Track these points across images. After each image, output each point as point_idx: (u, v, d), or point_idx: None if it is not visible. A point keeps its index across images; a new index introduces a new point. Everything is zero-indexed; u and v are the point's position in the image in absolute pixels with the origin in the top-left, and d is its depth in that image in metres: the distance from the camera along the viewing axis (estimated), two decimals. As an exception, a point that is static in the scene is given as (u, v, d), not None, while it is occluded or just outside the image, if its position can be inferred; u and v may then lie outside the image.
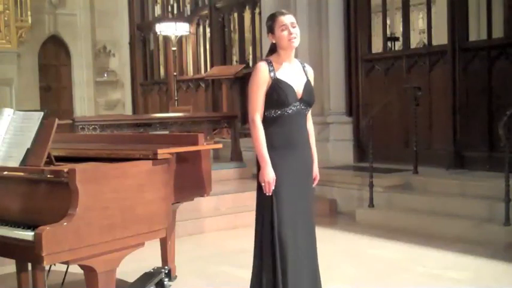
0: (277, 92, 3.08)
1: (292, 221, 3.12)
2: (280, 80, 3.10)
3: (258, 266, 3.16)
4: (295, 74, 3.18)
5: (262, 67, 3.11)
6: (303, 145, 3.22)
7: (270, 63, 3.13)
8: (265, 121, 3.12)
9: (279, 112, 3.11)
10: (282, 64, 3.15)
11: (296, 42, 3.13)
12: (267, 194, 3.07)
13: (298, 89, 3.14)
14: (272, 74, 3.10)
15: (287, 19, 3.12)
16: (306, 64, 3.30)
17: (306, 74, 3.23)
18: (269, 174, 3.06)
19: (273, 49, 3.19)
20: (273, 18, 3.15)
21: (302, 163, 3.22)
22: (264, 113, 3.12)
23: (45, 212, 2.71)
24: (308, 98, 3.18)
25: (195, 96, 11.40)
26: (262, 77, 3.10)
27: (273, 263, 3.09)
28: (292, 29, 3.10)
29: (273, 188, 3.07)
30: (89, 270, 2.80)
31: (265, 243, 3.12)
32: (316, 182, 3.37)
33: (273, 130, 3.11)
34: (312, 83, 3.26)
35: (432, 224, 5.67)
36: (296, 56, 3.27)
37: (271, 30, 3.15)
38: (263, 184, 3.07)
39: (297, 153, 3.17)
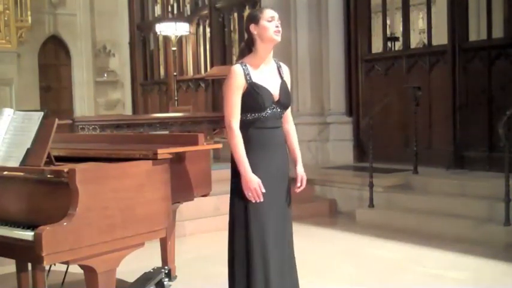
0: (254, 97, 2.98)
1: (268, 225, 3.00)
2: (257, 84, 2.99)
3: (231, 275, 3.07)
4: (270, 75, 3.08)
5: (237, 71, 2.98)
6: (277, 147, 3.10)
7: (245, 66, 3.01)
8: (241, 124, 3.01)
9: (255, 116, 3.01)
10: (258, 66, 3.04)
11: (279, 37, 3.03)
12: (255, 201, 2.94)
13: (275, 91, 3.05)
14: (248, 78, 2.99)
15: (275, 14, 3.05)
16: (281, 64, 3.19)
17: (281, 75, 3.13)
18: (252, 180, 2.93)
19: (249, 47, 3.07)
20: (261, 10, 3.08)
21: (277, 165, 3.08)
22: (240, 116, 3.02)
23: (45, 212, 2.71)
24: (284, 101, 3.09)
25: (195, 96, 11.40)
26: (237, 81, 2.98)
27: (248, 270, 2.99)
28: (278, 23, 3.03)
29: (261, 189, 2.93)
30: (89, 270, 2.80)
31: (237, 250, 3.02)
32: (304, 183, 3.16)
33: (249, 133, 3.01)
34: (289, 83, 3.16)
35: (432, 224, 5.66)
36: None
37: (255, 20, 3.02)
38: (249, 194, 2.94)
39: (271, 155, 3.05)
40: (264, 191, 2.95)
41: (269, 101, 3.03)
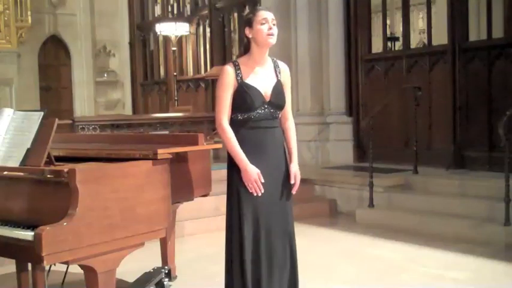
0: (243, 96, 2.99)
1: (263, 227, 3.02)
2: (247, 83, 3.01)
3: (228, 272, 3.11)
4: (264, 75, 3.08)
5: (228, 70, 3.03)
6: (273, 147, 3.08)
7: (237, 66, 3.04)
8: (233, 124, 3.03)
9: (245, 116, 3.02)
10: (251, 66, 3.05)
11: (273, 40, 3.03)
12: (256, 194, 2.97)
13: (266, 91, 3.04)
14: (238, 78, 3.01)
15: (269, 15, 3.04)
16: (279, 63, 3.18)
17: (277, 75, 3.12)
18: (252, 171, 2.96)
19: (246, 48, 3.09)
20: (253, 12, 3.07)
21: (273, 165, 3.07)
22: (231, 116, 3.03)
23: (45, 212, 2.71)
24: (276, 101, 3.07)
25: (195, 96, 11.40)
26: (227, 80, 3.00)
27: (241, 269, 3.01)
28: (272, 25, 3.03)
29: (261, 180, 2.97)
30: (88, 270, 2.80)
31: (234, 249, 3.04)
32: (298, 182, 3.14)
33: (241, 134, 3.02)
34: (287, 82, 3.16)
35: (432, 224, 5.66)
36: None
37: (249, 23, 3.04)
38: (250, 185, 2.97)
39: (266, 155, 3.04)
40: (263, 181, 2.98)
41: (259, 101, 3.02)
